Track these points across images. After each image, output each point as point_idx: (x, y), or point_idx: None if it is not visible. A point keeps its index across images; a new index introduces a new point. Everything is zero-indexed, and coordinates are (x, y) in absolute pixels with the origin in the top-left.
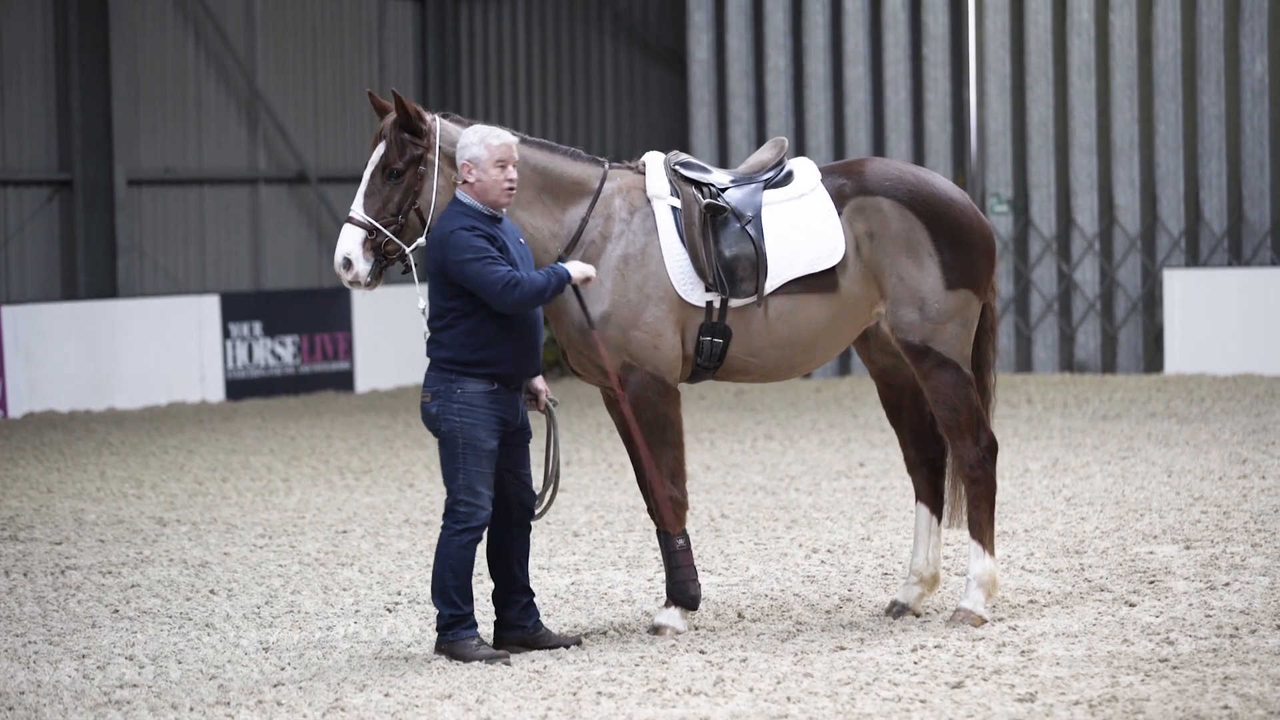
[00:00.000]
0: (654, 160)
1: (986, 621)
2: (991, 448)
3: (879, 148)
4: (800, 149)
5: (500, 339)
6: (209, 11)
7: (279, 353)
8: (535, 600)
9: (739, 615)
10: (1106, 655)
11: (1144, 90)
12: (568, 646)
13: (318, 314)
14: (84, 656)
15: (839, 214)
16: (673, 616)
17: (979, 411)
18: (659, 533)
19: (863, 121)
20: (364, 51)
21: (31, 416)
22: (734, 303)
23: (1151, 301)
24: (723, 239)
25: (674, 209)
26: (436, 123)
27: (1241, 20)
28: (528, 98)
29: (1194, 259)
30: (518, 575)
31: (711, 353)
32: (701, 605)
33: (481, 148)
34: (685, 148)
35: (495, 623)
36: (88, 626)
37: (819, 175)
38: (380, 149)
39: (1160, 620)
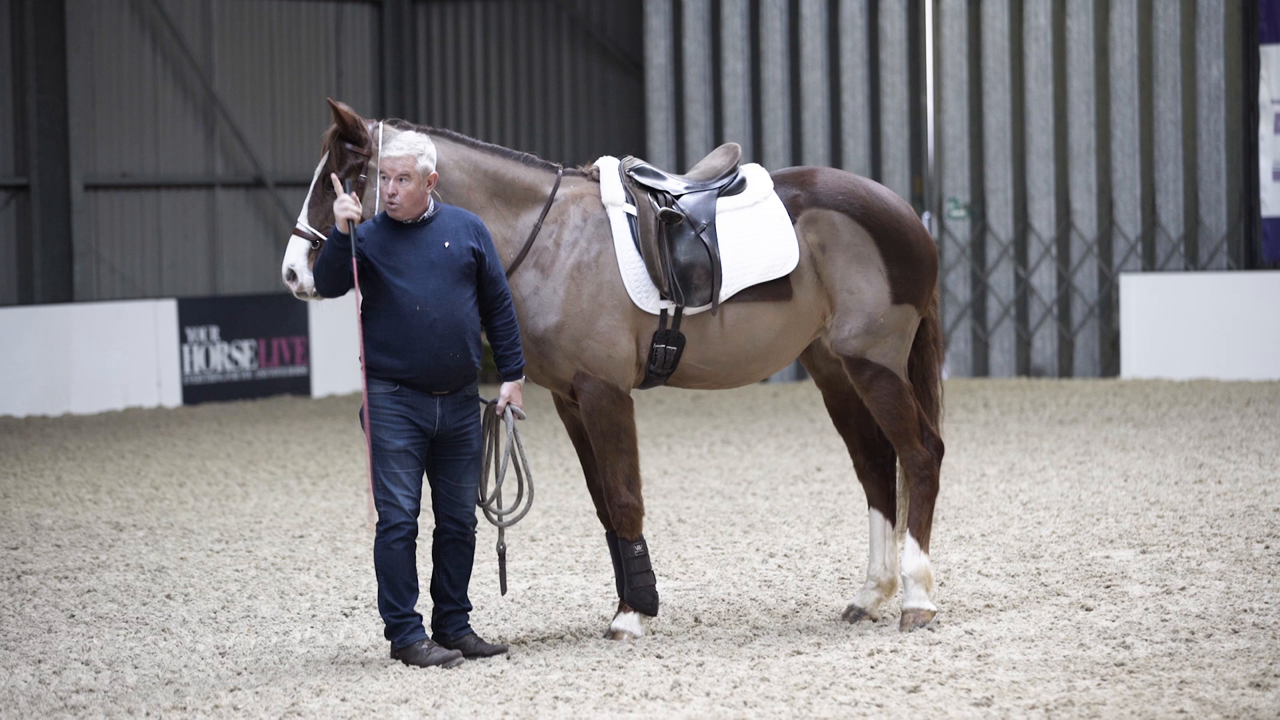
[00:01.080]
0: (608, 166)
1: (936, 614)
2: (939, 449)
3: (836, 153)
4: (757, 154)
5: (395, 341)
6: (166, 16)
7: (236, 357)
8: (465, 613)
9: (696, 620)
10: (1063, 659)
11: (1101, 95)
12: (491, 655)
13: (275, 319)
14: (40, 661)
15: (792, 224)
16: (630, 622)
17: (921, 415)
18: (609, 535)
19: (820, 126)
20: (321, 56)
21: None
22: (688, 311)
23: (1108, 306)
24: (678, 247)
25: (629, 216)
26: (379, 130)
27: (1198, 25)
28: (485, 102)
29: (1150, 264)
30: (442, 585)
31: (665, 360)
32: (659, 610)
33: (383, 158)
34: (642, 152)
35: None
36: (44, 631)
37: (771, 183)
38: (323, 159)
39: (1116, 624)
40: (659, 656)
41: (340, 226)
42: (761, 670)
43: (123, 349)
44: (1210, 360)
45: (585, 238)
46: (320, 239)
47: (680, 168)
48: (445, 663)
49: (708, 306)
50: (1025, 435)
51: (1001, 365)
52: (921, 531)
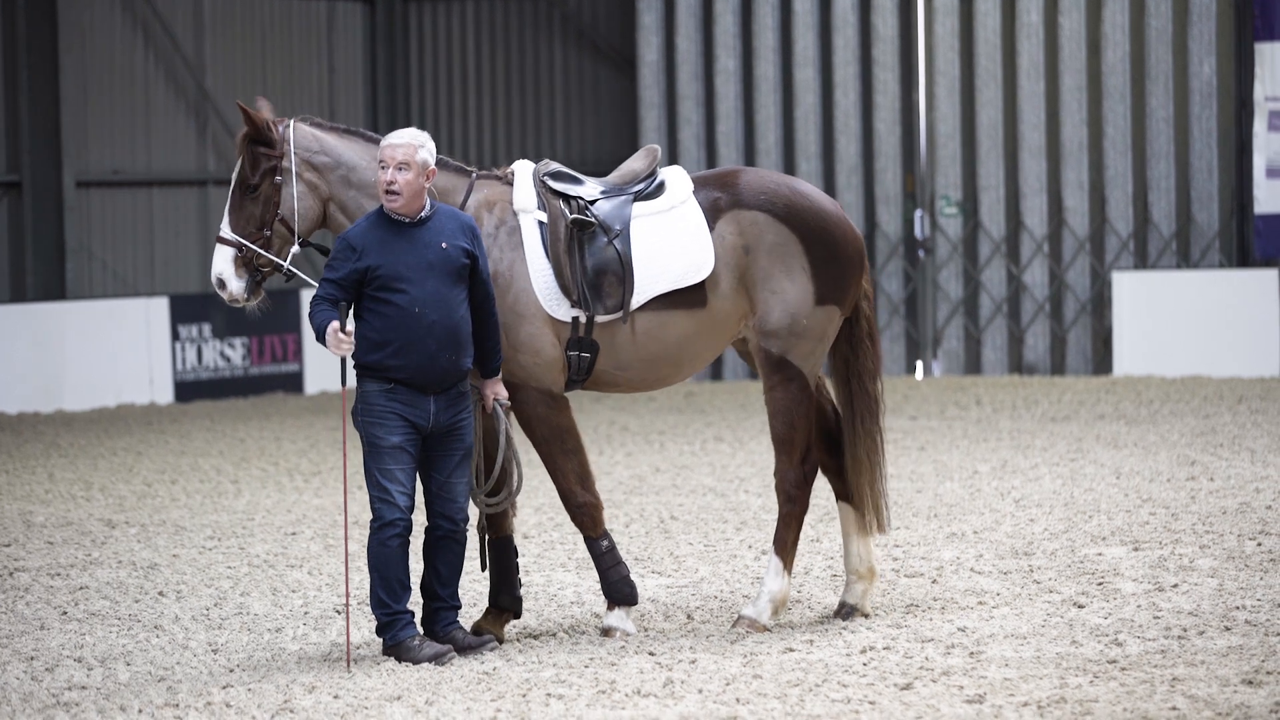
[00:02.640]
0: (523, 171)
1: (769, 630)
2: (813, 470)
3: (828, 150)
4: (750, 151)
5: (390, 341)
6: (158, 13)
7: (228, 354)
8: (454, 610)
9: (688, 617)
10: (1055, 656)
11: (1093, 93)
12: (480, 648)
13: (267, 316)
14: (32, 658)
15: (712, 227)
16: (620, 618)
17: (809, 434)
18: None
19: (812, 124)
20: (313, 54)
21: None
22: (600, 318)
23: (1100, 303)
24: (588, 254)
25: (540, 223)
26: (290, 129)
27: (1190, 23)
28: (477, 99)
29: (1143, 261)
30: (431, 582)
31: (579, 366)
32: (650, 606)
33: (380, 149)
34: (635, 150)
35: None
36: (36, 628)
37: (691, 186)
38: (239, 164)
39: (1109, 622)
40: (652, 654)
41: (332, 350)
42: (754, 667)
43: (115, 346)
44: (1202, 357)
45: (499, 246)
46: (245, 245)
47: (673, 164)
48: (437, 659)
49: (618, 314)
50: (1017, 432)
51: (994, 362)
52: (786, 551)
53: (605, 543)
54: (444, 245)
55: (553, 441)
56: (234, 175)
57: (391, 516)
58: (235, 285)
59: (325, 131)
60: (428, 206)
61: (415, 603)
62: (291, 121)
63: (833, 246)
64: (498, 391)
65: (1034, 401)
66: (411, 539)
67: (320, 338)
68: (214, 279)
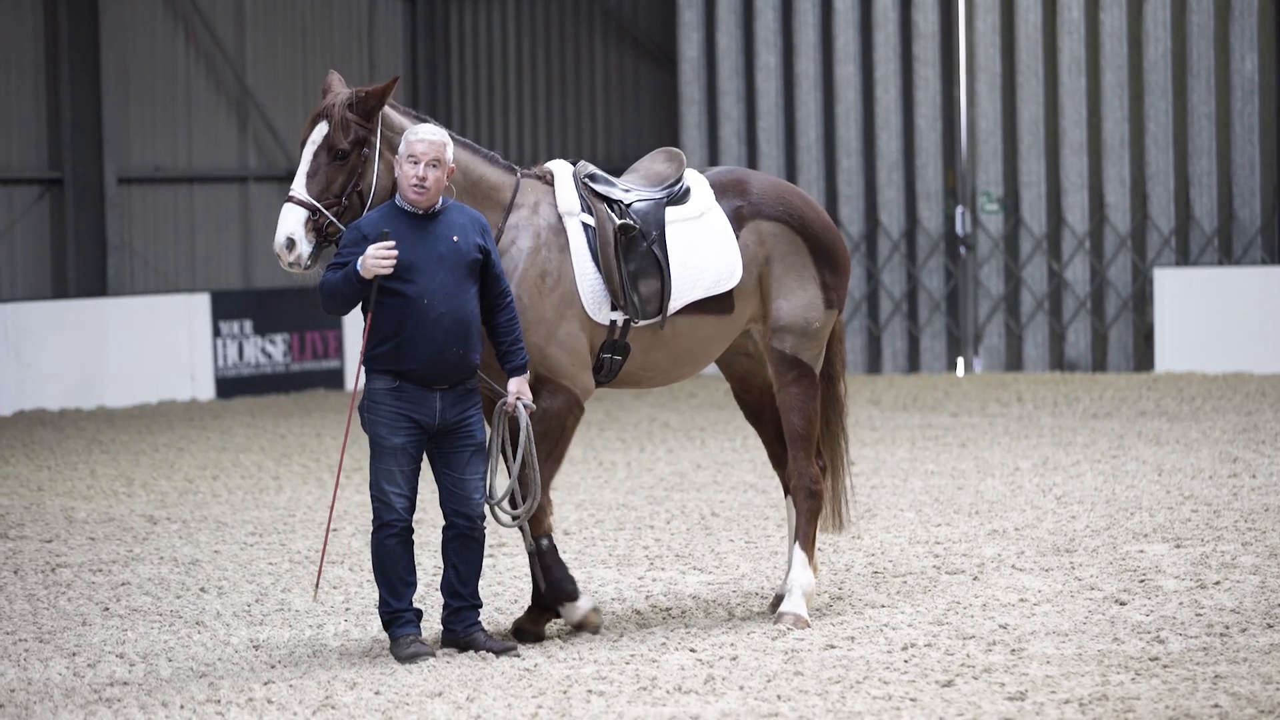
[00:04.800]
0: (562, 172)
1: (810, 625)
2: (822, 466)
3: (869, 146)
4: (790, 147)
5: (398, 336)
6: (198, 9)
7: (269, 351)
8: (475, 609)
9: (729, 614)
10: (1097, 654)
11: (1134, 89)
12: (499, 652)
13: (308, 312)
14: (74, 654)
15: (736, 236)
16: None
17: (819, 428)
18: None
19: (853, 120)
20: (354, 50)
21: (22, 415)
22: (638, 323)
23: (1142, 300)
24: (630, 259)
25: (586, 227)
26: (384, 110)
27: (1232, 18)
28: (518, 96)
29: (1184, 257)
30: (451, 581)
31: (610, 369)
32: (692, 603)
33: (404, 143)
34: (676, 145)
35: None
36: (78, 624)
37: (713, 193)
38: (322, 128)
39: (1151, 619)
40: (692, 650)
41: (365, 274)
42: (795, 664)
43: (156, 342)
44: (1244, 354)
45: (545, 245)
46: (320, 210)
47: (714, 161)
48: (412, 659)
49: (657, 319)
50: (1059, 429)
51: (1035, 359)
52: (809, 545)
53: (546, 541)
54: (455, 239)
55: (551, 441)
56: (313, 138)
57: (388, 518)
58: (305, 248)
59: (400, 114)
60: (439, 201)
61: (431, 602)
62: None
63: (835, 256)
64: (522, 391)
65: (1075, 398)
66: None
67: (334, 305)
68: (281, 238)
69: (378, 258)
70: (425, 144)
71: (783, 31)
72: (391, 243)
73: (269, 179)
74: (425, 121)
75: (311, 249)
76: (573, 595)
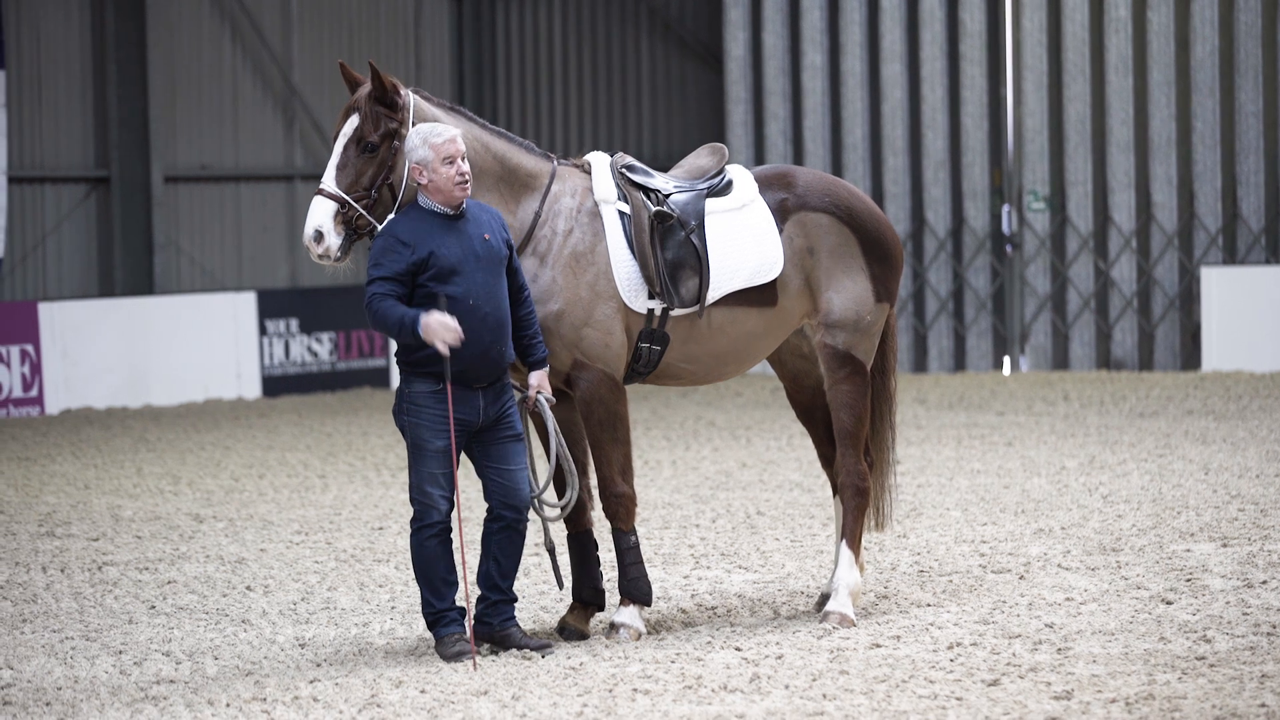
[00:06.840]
0: (599, 162)
1: (855, 624)
2: (872, 467)
3: (915, 145)
4: (836, 146)
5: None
6: (245, 8)
7: (315, 349)
8: (511, 604)
9: (775, 612)
10: (1143, 653)
11: (1181, 87)
12: (534, 649)
13: (354, 311)
14: (121, 652)
15: (780, 228)
16: (632, 615)
17: (868, 425)
18: (582, 534)
19: (899, 119)
20: (400, 49)
21: (69, 413)
22: (675, 312)
23: (1189, 299)
24: (668, 247)
25: (621, 214)
26: (410, 98)
27: (1279, 17)
28: (564, 95)
29: (1231, 256)
30: (491, 573)
31: (649, 359)
32: (737, 601)
33: (426, 149)
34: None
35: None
36: (124, 622)
37: (756, 186)
38: (353, 121)
39: (1197, 618)
40: (738, 649)
41: (425, 338)
42: (841, 663)
43: (203, 341)
44: None
45: (580, 228)
46: (349, 203)
47: (760, 160)
48: (457, 658)
49: (695, 308)
50: (1105, 428)
51: (1081, 358)
52: (855, 543)
53: (633, 538)
54: (486, 237)
55: (607, 427)
56: (344, 131)
57: (432, 519)
58: (334, 240)
59: (434, 106)
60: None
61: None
62: (410, 92)
63: (886, 247)
64: (543, 385)
65: (1122, 397)
66: (451, 537)
67: (399, 333)
68: (310, 231)
69: (446, 331)
70: (452, 141)
71: (829, 30)
72: (457, 327)
73: (315, 178)
74: (458, 112)
75: (341, 241)
76: (645, 600)
